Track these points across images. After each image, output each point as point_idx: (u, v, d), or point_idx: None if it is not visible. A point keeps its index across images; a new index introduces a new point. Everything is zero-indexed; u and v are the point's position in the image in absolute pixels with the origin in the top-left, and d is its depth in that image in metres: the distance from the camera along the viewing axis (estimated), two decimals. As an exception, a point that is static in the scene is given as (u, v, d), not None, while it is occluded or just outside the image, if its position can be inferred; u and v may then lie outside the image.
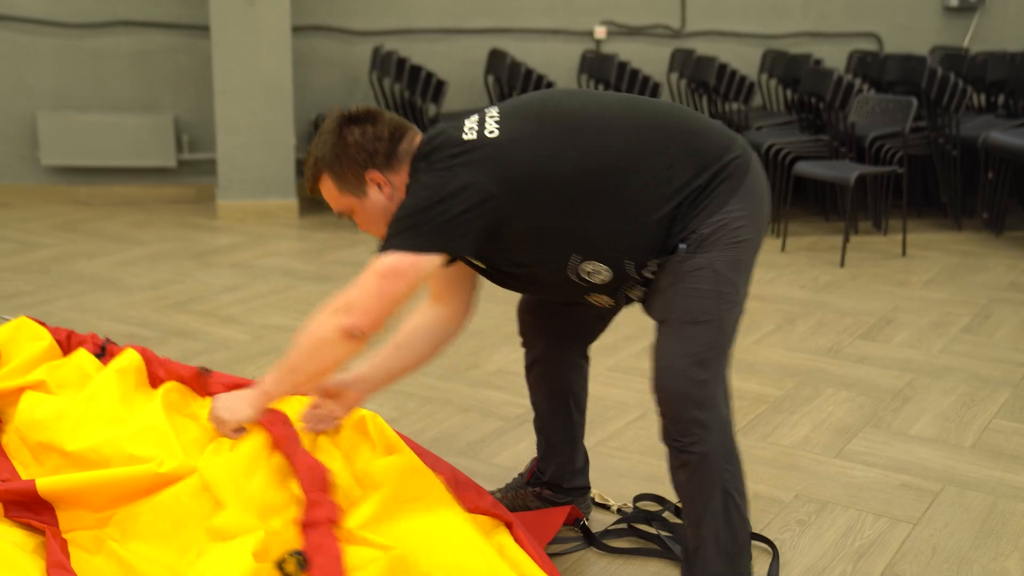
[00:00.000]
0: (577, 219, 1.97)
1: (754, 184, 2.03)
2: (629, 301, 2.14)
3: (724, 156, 2.01)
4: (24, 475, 2.35)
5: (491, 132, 1.97)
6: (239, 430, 2.17)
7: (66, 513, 2.16)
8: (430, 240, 1.91)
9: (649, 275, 2.04)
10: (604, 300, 2.12)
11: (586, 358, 2.44)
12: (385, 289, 1.92)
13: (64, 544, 2.10)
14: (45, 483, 2.15)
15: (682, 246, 1.97)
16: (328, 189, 2.05)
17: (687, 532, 2.09)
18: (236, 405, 2.13)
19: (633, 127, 2.01)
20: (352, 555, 1.92)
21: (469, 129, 1.98)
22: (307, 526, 1.95)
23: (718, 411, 1.99)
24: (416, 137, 2.05)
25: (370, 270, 1.94)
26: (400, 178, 2.02)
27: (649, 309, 2.08)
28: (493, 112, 2.03)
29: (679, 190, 1.97)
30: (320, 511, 1.98)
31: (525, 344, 2.42)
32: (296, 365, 2.02)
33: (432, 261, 1.93)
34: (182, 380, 2.62)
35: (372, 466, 2.17)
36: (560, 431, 2.45)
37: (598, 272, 2.02)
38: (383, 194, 2.03)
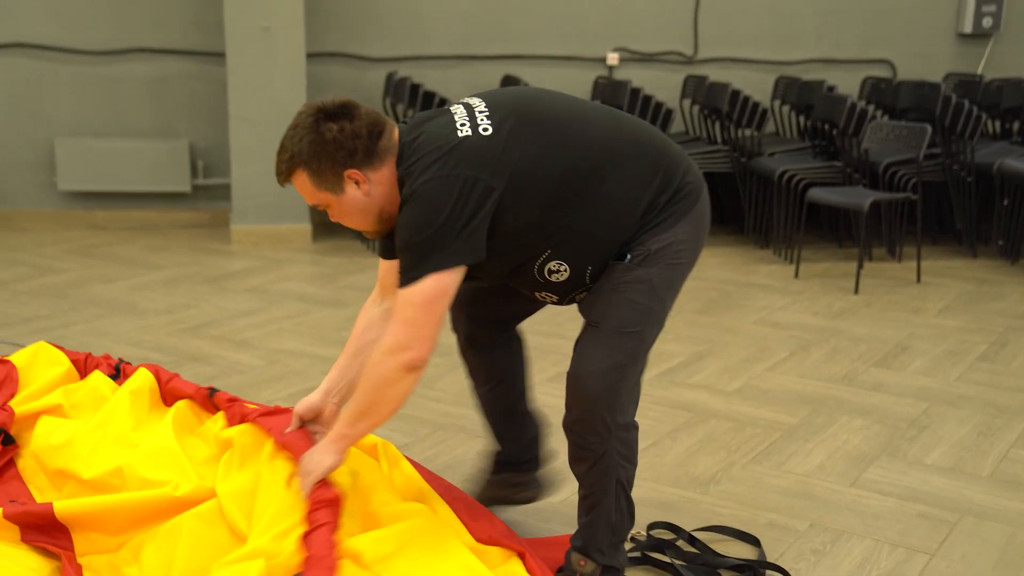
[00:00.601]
0: (561, 215, 2.03)
1: (703, 208, 2.16)
2: (572, 301, 2.20)
3: (685, 177, 2.13)
4: (40, 500, 2.36)
5: (485, 129, 2.00)
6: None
7: (82, 536, 2.17)
8: (456, 253, 1.95)
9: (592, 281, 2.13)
10: (552, 298, 2.20)
11: (516, 338, 2.46)
12: (431, 313, 1.96)
13: (79, 569, 2.10)
14: (63, 506, 2.16)
15: (628, 256, 2.07)
16: (303, 184, 2.04)
17: (580, 506, 2.21)
18: (319, 457, 2.11)
19: (610, 136, 2.09)
20: (347, 571, 1.92)
21: (461, 125, 2.00)
22: (307, 534, 1.96)
23: (624, 415, 2.12)
24: (394, 132, 2.05)
25: (410, 303, 1.95)
26: (380, 175, 2.02)
27: (583, 308, 2.15)
28: (480, 107, 2.05)
29: (647, 203, 2.07)
30: (320, 515, 1.98)
31: (454, 328, 2.44)
32: (367, 408, 2.04)
33: (463, 268, 1.98)
34: (190, 399, 2.63)
35: (386, 511, 2.17)
36: (500, 410, 2.47)
37: (560, 272, 2.10)
38: (360, 191, 2.03)
